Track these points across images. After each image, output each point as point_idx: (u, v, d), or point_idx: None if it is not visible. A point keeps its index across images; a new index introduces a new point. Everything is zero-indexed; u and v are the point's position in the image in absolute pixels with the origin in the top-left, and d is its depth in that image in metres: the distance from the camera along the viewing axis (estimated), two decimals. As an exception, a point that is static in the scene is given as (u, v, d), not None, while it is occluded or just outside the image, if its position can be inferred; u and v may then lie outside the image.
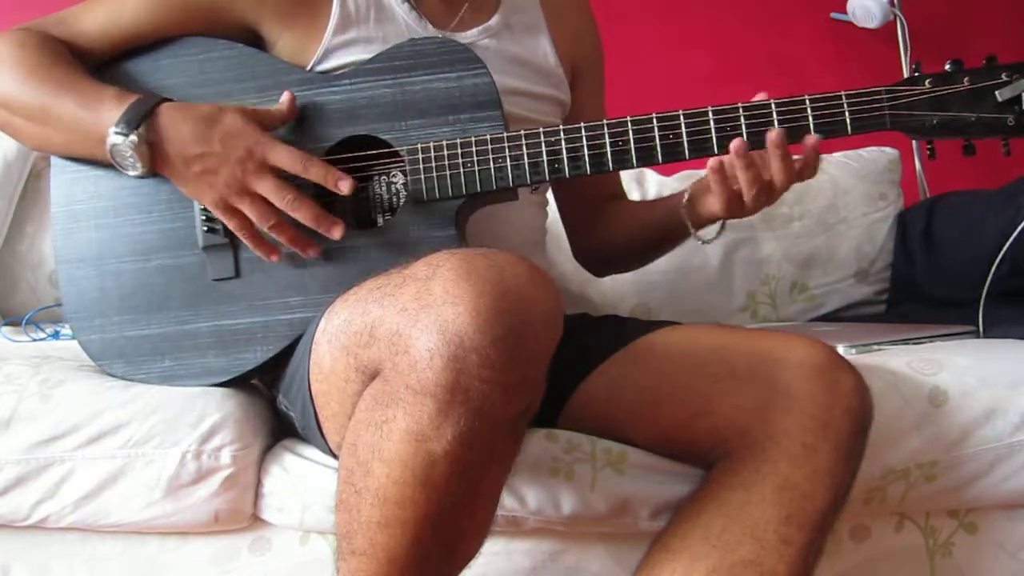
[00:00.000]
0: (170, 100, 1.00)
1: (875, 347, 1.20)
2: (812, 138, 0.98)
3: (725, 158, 0.99)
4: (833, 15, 2.18)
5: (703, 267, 1.68)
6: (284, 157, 0.97)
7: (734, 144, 0.97)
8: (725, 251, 1.69)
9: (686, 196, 1.10)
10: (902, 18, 2.10)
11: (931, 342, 1.23)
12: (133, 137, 0.96)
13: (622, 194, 1.32)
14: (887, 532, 1.10)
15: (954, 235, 1.60)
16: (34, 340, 1.36)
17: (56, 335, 1.36)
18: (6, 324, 1.43)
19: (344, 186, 0.97)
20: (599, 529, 1.04)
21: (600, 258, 1.32)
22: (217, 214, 0.99)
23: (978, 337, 1.31)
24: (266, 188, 0.96)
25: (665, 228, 1.16)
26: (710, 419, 0.95)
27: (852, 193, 1.72)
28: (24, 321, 1.41)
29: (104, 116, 0.98)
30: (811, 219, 1.71)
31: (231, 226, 0.99)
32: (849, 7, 2.11)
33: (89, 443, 1.01)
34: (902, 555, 1.10)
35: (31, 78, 1.01)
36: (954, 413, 1.06)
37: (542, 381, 0.81)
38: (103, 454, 1.01)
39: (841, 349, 1.14)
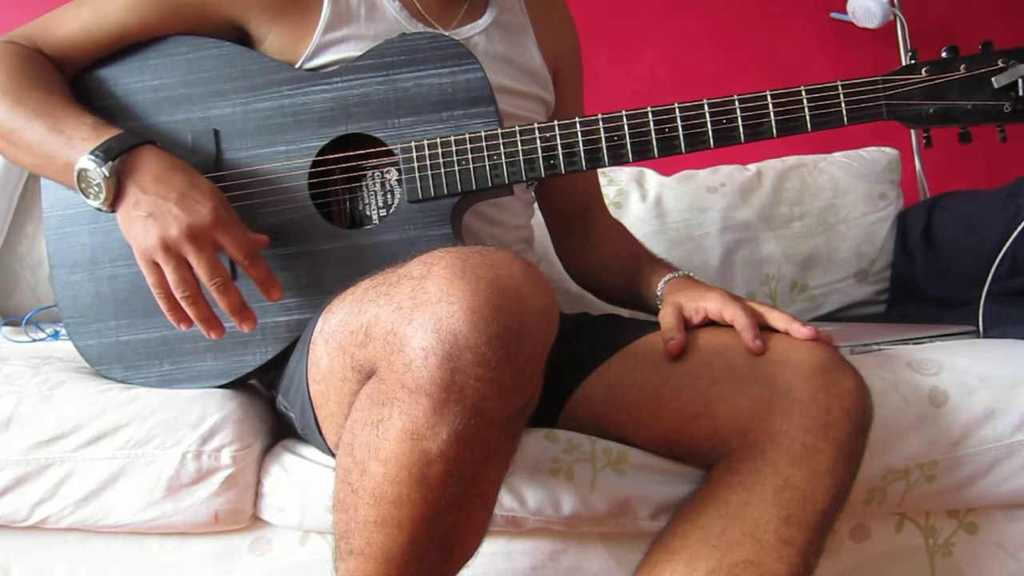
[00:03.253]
0: (155, 144, 0.99)
1: (875, 347, 1.19)
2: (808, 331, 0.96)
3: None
4: (833, 15, 2.18)
5: (703, 267, 1.68)
6: (233, 242, 0.95)
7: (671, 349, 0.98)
8: (725, 251, 1.69)
9: (659, 300, 1.09)
10: (902, 18, 2.10)
11: (931, 342, 1.23)
12: (105, 169, 0.94)
13: (599, 205, 1.33)
14: (887, 532, 1.10)
15: (954, 235, 1.60)
16: (34, 340, 1.36)
17: (56, 335, 1.36)
18: (6, 324, 1.43)
19: (275, 294, 0.97)
20: (599, 529, 1.03)
21: (574, 270, 1.33)
22: (138, 260, 0.95)
23: (978, 337, 1.30)
24: (200, 262, 0.93)
25: (642, 304, 1.16)
26: (710, 420, 0.95)
27: (852, 193, 1.72)
28: (24, 321, 1.42)
29: (77, 144, 0.96)
30: (811, 219, 1.71)
31: (148, 280, 0.95)
32: (849, 7, 2.11)
33: (89, 444, 1.01)
34: (902, 555, 1.10)
35: (4, 99, 1.01)
36: (954, 413, 1.06)
37: (538, 379, 0.81)
38: (103, 455, 1.01)
39: (841, 349, 1.14)
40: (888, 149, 1.80)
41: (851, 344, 1.19)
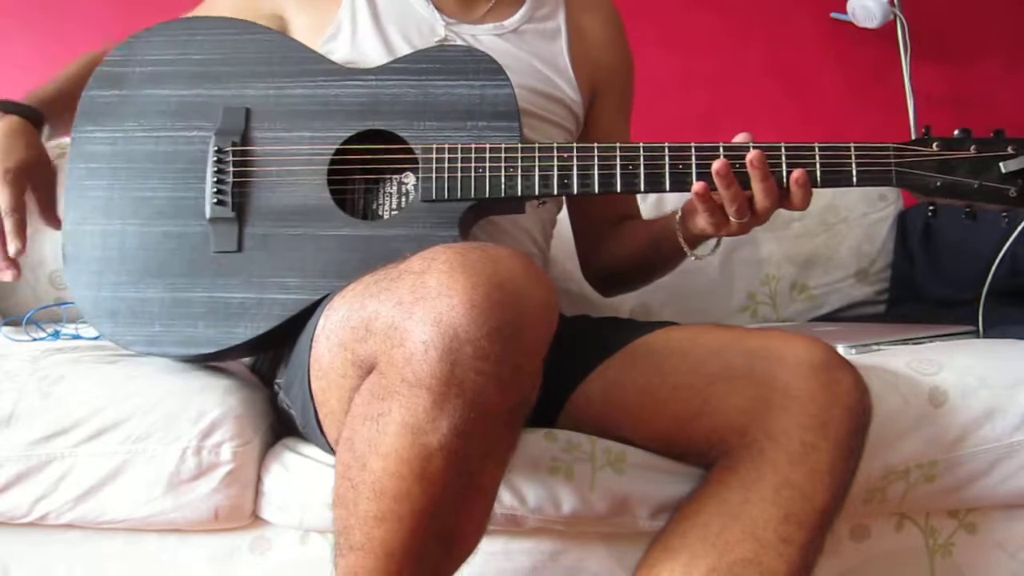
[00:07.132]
0: (28, 118, 1.09)
1: (875, 347, 1.20)
2: (797, 172, 0.97)
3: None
4: (833, 15, 2.18)
5: (703, 267, 1.67)
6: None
7: (715, 165, 0.97)
8: (725, 251, 1.69)
9: (678, 214, 1.09)
10: (902, 18, 2.10)
11: (931, 342, 1.23)
12: None
13: (636, 214, 1.33)
14: (887, 532, 1.10)
15: (954, 235, 1.60)
16: (34, 340, 1.36)
17: (56, 335, 1.36)
18: (6, 324, 1.42)
19: (9, 275, 1.04)
20: (599, 529, 1.04)
21: (608, 277, 1.32)
22: None
23: (978, 337, 1.31)
24: None
25: (661, 244, 1.15)
26: (709, 419, 0.95)
27: (852, 193, 1.73)
28: (24, 321, 1.41)
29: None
30: (811, 219, 1.71)
31: None
32: (849, 7, 2.11)
33: (89, 439, 1.01)
34: (902, 555, 1.10)
35: None
36: (954, 413, 1.06)
37: (538, 374, 0.81)
38: (103, 450, 1.01)
39: (841, 349, 1.14)
40: (889, 150, 1.80)
41: (851, 344, 1.19)
